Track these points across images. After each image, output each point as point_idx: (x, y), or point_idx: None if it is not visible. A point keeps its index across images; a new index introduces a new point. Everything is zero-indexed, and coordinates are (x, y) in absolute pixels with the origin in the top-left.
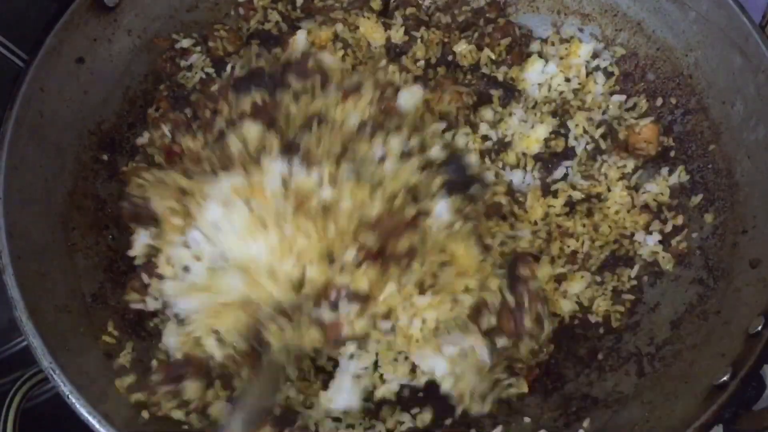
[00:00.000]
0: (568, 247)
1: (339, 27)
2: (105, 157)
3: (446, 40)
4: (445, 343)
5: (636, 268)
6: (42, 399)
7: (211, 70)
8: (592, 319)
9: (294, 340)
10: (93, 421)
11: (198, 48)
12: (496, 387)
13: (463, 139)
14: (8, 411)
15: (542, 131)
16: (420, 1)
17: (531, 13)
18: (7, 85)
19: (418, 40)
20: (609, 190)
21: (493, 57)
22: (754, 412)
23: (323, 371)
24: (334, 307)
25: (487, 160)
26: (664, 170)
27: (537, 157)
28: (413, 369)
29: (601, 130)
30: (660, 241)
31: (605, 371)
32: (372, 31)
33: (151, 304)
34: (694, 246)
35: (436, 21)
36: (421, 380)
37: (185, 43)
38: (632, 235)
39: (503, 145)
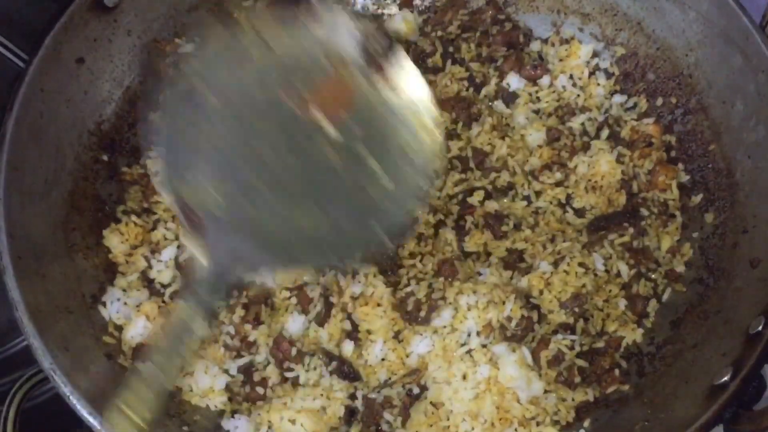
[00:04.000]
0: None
1: None
2: (105, 158)
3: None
4: None
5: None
6: (42, 399)
7: None
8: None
9: None
10: (94, 422)
11: None
12: None
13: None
14: (8, 411)
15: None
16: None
17: (531, 12)
18: (7, 85)
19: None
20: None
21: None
22: (754, 412)
23: None
24: None
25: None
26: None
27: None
28: None
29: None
30: None
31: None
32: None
33: None
34: (695, 246)
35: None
36: None
37: (189, 48)
38: None
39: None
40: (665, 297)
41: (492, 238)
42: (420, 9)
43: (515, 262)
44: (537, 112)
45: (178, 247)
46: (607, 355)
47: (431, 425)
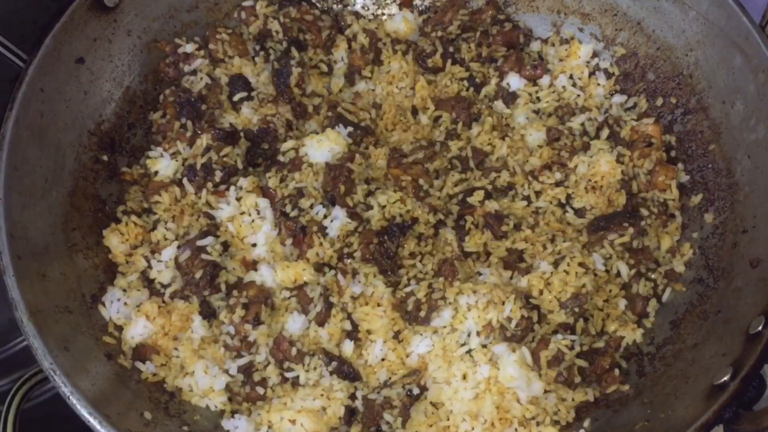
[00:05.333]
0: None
1: (354, 27)
2: (105, 158)
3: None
4: None
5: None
6: (42, 399)
7: (216, 75)
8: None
9: None
10: (94, 422)
11: (202, 52)
12: None
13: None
14: (8, 411)
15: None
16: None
17: (531, 12)
18: (7, 86)
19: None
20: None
21: (493, 56)
22: (754, 412)
23: None
24: None
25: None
26: None
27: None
28: None
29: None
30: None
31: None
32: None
33: None
34: (695, 246)
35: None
36: None
37: (189, 48)
38: None
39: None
40: (665, 297)
41: (492, 238)
42: (420, 9)
43: (515, 262)
44: (537, 112)
45: (178, 247)
46: (607, 355)
47: (431, 425)
